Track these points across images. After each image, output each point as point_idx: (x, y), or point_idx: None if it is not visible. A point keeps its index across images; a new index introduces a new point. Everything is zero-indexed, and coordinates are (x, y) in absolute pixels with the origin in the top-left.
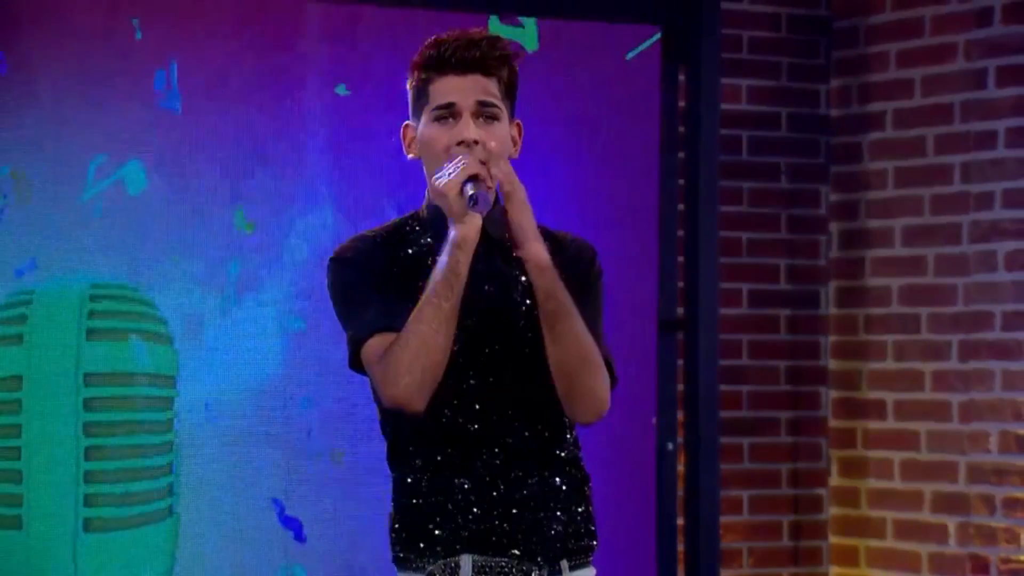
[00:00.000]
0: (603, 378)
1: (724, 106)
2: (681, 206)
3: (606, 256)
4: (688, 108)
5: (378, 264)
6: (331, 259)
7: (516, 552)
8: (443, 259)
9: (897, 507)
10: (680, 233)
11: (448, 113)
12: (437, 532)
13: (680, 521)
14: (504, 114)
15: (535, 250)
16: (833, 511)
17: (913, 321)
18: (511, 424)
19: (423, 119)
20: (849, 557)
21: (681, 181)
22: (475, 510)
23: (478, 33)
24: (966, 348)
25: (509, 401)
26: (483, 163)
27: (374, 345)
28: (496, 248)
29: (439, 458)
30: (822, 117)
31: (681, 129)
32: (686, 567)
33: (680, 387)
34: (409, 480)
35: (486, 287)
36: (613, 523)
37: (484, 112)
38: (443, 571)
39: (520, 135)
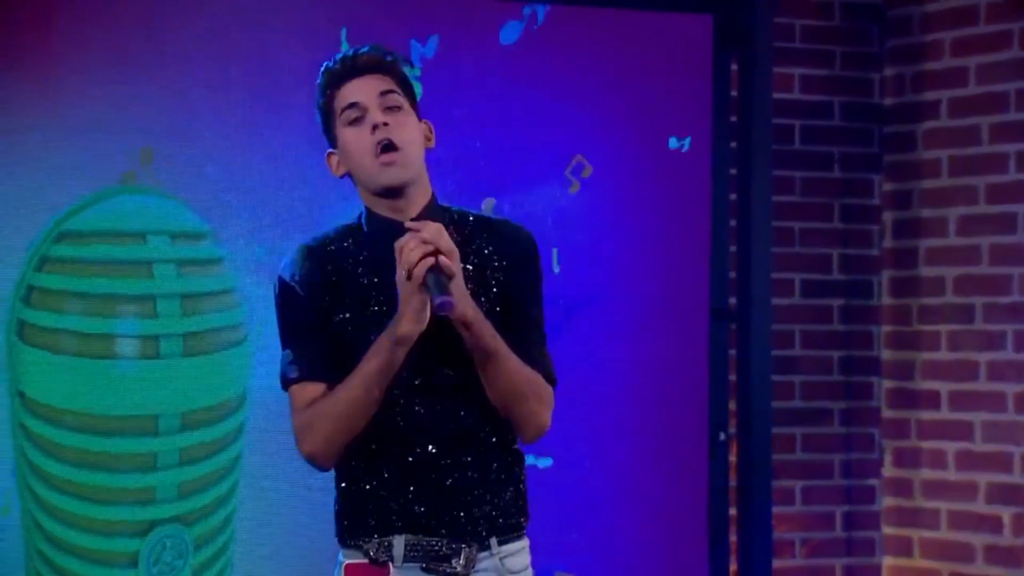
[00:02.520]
0: (541, 402)
1: (776, 95)
2: (733, 196)
3: (659, 245)
4: (740, 97)
5: (316, 288)
6: (279, 277)
7: (445, 532)
8: (383, 352)
9: (951, 498)
10: (732, 223)
11: (357, 112)
12: (372, 514)
13: (732, 511)
14: (407, 104)
15: (460, 310)
16: (886, 502)
17: (967, 311)
18: (444, 418)
19: (339, 131)
20: (903, 548)
21: (733, 171)
22: (407, 496)
23: (361, 47)
24: (1021, 338)
25: (445, 397)
26: (429, 244)
27: (298, 392)
28: None
29: (375, 447)
30: (875, 106)
31: (733, 118)
32: (739, 557)
33: (732, 377)
34: (350, 466)
35: None
36: (666, 514)
37: (387, 103)
38: (377, 549)
39: (431, 133)
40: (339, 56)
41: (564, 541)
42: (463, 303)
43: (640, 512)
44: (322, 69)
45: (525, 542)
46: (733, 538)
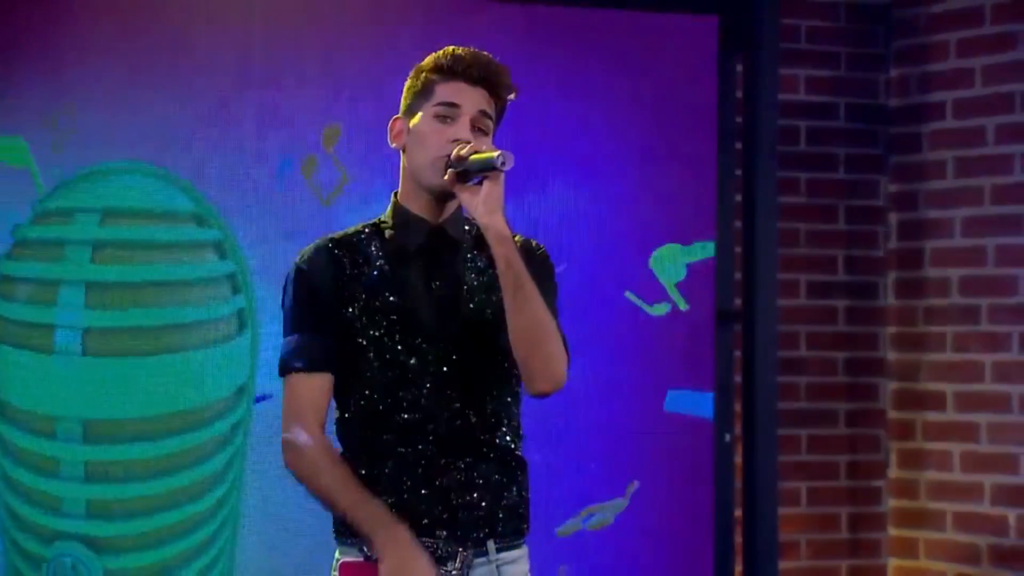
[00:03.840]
0: (560, 347)
1: (782, 96)
2: (739, 197)
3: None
4: (746, 98)
5: (332, 280)
6: (294, 264)
7: (443, 533)
8: (370, 519)
9: (956, 499)
10: (738, 224)
11: (451, 113)
12: None
13: (738, 512)
14: (491, 131)
15: (498, 221)
16: (892, 503)
17: (973, 312)
18: (446, 414)
19: (422, 115)
20: (908, 549)
21: (739, 172)
22: (406, 493)
23: (488, 56)
24: None
25: (447, 393)
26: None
27: (298, 382)
28: (450, 248)
29: (375, 442)
30: (881, 107)
31: (739, 119)
32: (744, 559)
33: (738, 378)
34: (352, 461)
35: (435, 285)
36: (671, 515)
37: (480, 123)
38: (373, 548)
39: None
40: (469, 55)
41: (569, 538)
42: (500, 219)
43: (645, 515)
44: (448, 50)
45: (525, 550)
46: (738, 539)
